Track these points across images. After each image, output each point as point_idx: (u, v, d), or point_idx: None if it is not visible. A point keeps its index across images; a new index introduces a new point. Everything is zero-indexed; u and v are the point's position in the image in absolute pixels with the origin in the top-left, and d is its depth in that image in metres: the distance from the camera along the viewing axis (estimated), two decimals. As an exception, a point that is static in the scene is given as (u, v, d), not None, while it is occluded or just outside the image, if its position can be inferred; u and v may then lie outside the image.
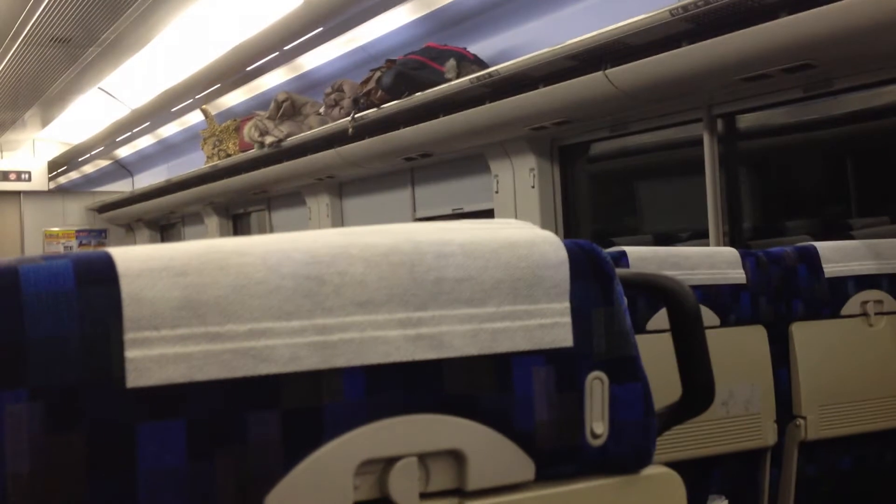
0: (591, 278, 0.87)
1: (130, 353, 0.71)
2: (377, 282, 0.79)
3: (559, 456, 0.85)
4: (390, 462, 0.79)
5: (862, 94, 3.62)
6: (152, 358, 0.72)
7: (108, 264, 0.73)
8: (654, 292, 1.04)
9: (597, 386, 0.86)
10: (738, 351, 2.24)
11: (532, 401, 0.84)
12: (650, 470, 0.89)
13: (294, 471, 0.76)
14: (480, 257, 0.83)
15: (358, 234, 0.82)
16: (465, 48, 4.40)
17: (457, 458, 0.82)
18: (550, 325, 0.85)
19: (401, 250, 0.81)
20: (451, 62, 4.24)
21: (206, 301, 0.74)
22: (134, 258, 0.74)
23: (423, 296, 0.81)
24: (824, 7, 2.48)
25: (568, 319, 0.85)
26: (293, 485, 0.75)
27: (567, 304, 0.86)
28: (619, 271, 0.90)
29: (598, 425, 0.86)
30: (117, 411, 0.71)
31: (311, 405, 0.76)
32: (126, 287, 0.72)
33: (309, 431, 0.77)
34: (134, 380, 0.71)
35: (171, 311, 0.73)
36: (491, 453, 0.82)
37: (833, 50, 2.67)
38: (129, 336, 0.72)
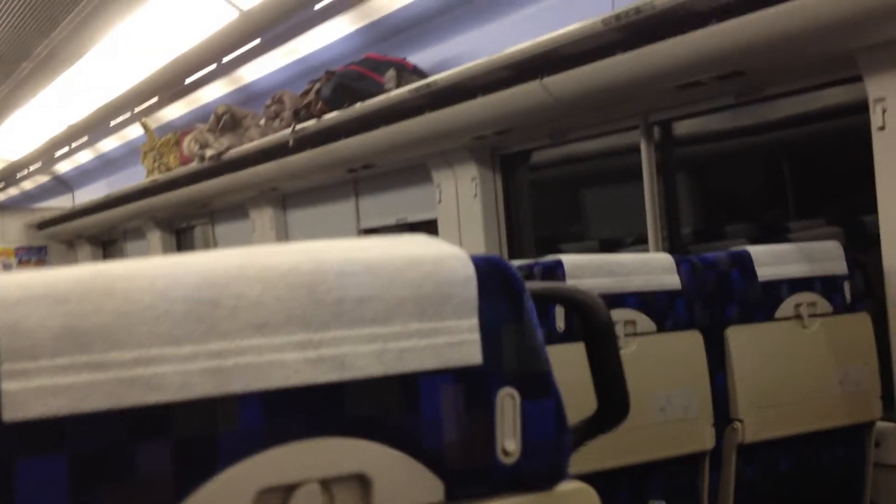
0: (500, 294, 0.86)
1: (6, 386, 0.68)
2: (275, 303, 0.77)
3: (470, 476, 0.83)
4: (291, 489, 0.77)
5: (797, 99, 3.68)
6: (30, 390, 0.68)
7: None
8: (566, 306, 1.03)
9: (508, 403, 0.85)
10: (674, 356, 2.25)
11: (440, 420, 0.82)
12: (564, 486, 0.88)
13: (188, 502, 0.73)
14: (384, 275, 0.81)
15: (256, 255, 0.79)
16: (404, 59, 4.39)
17: (362, 481, 0.79)
18: (458, 342, 0.83)
19: (300, 270, 0.78)
20: (391, 73, 4.22)
21: (89, 329, 0.70)
22: (13, 285, 0.70)
23: (323, 316, 0.78)
24: (751, 15, 2.51)
25: (476, 336, 0.84)
26: None
27: (475, 321, 0.84)
28: (530, 285, 0.89)
29: (509, 443, 0.84)
30: None
31: (204, 434, 0.74)
32: (2, 316, 0.69)
33: (203, 461, 0.74)
34: (11, 413, 0.68)
35: (51, 340, 0.69)
36: (398, 475, 0.80)
37: (762, 57, 2.70)
38: (4, 367, 0.68)
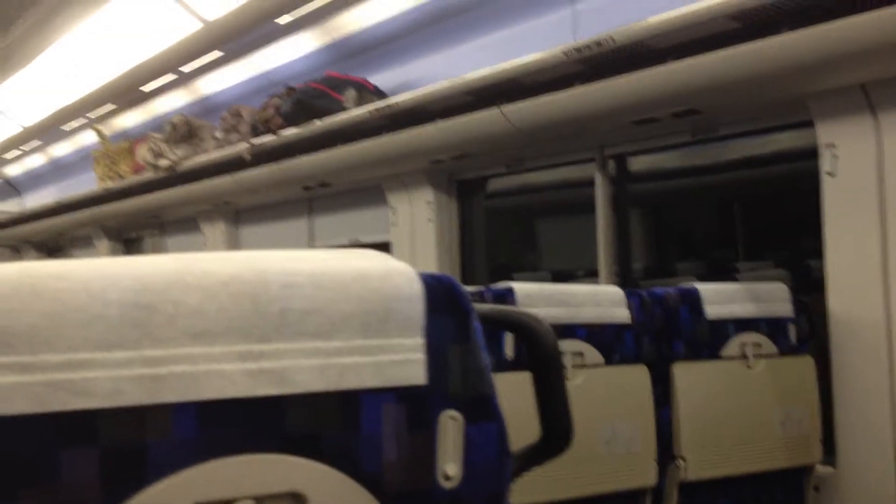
0: (447, 313, 0.84)
1: None
2: (215, 312, 0.74)
3: (408, 499, 0.81)
4: None
5: (749, 142, 3.74)
6: None
7: None
8: (512, 329, 1.02)
9: (451, 425, 0.83)
10: (621, 390, 2.25)
11: (380, 440, 0.80)
12: None
13: None
14: (329, 289, 0.79)
15: (196, 261, 0.77)
16: (365, 79, 4.38)
17: (297, 500, 0.77)
18: (402, 361, 0.81)
19: (243, 279, 0.76)
20: (351, 92, 4.21)
21: (17, 329, 0.67)
22: None
23: (265, 328, 0.76)
24: (707, 55, 2.54)
25: (421, 355, 0.82)
26: None
27: (421, 340, 0.82)
28: (478, 307, 0.87)
29: (450, 467, 0.83)
30: None
31: (133, 443, 0.70)
32: None
33: (131, 472, 0.70)
34: None
35: None
36: (334, 496, 0.78)
37: (717, 97, 2.74)
38: None
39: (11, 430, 0.67)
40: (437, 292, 0.83)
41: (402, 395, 0.81)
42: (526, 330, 0.96)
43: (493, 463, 0.85)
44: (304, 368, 0.77)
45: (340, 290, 0.79)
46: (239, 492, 0.74)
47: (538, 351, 0.97)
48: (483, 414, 0.85)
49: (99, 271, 0.72)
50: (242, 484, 0.75)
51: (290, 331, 0.77)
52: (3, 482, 0.67)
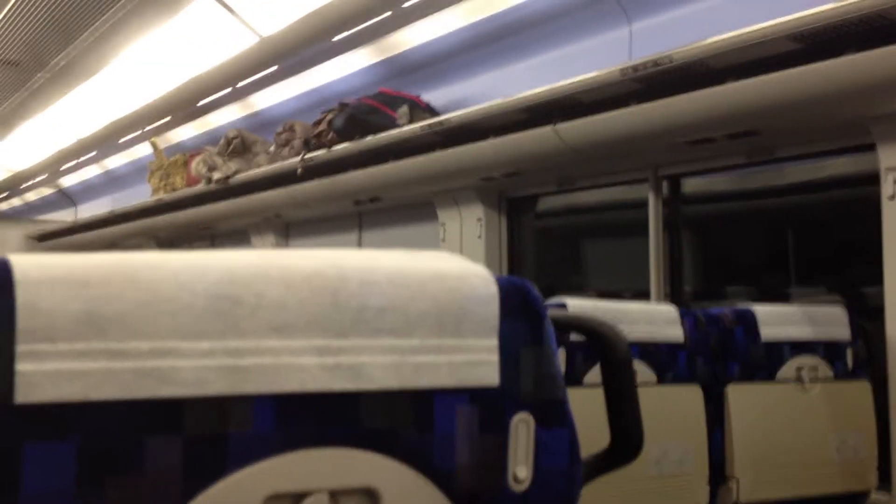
0: (521, 316, 0.84)
1: (21, 367, 0.66)
2: (296, 306, 0.75)
3: (479, 500, 0.82)
4: (299, 498, 0.75)
5: (804, 167, 3.70)
6: (45, 373, 0.67)
7: (4, 270, 0.68)
8: (586, 335, 1.02)
9: (522, 428, 0.83)
10: (673, 409, 2.23)
11: (454, 440, 0.80)
12: None
13: (193, 502, 0.71)
14: (406, 287, 0.80)
15: (279, 257, 0.78)
16: (418, 96, 4.41)
17: (371, 496, 0.78)
18: (477, 362, 0.81)
19: (324, 275, 0.77)
20: (404, 108, 4.24)
21: (109, 315, 0.69)
22: (34, 265, 0.69)
23: (343, 323, 0.77)
24: (769, 76, 2.53)
25: (495, 357, 0.82)
26: None
27: (495, 342, 0.82)
28: (552, 312, 0.88)
29: (521, 469, 0.83)
30: (2, 428, 0.66)
31: (216, 433, 0.72)
32: (22, 295, 0.67)
33: (212, 461, 0.72)
34: (24, 395, 0.66)
35: (70, 323, 0.68)
36: (407, 493, 0.78)
37: (774, 118, 2.72)
38: (21, 348, 0.67)
39: (99, 415, 0.69)
40: (512, 295, 0.84)
41: (476, 396, 0.81)
42: (599, 336, 0.97)
43: (563, 468, 0.85)
44: (379, 365, 0.78)
45: (417, 289, 0.80)
46: (314, 485, 0.75)
47: (610, 356, 0.97)
48: (555, 419, 0.85)
49: (189, 263, 0.73)
50: (318, 477, 0.76)
51: (367, 327, 0.78)
52: (89, 467, 0.68)
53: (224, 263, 0.75)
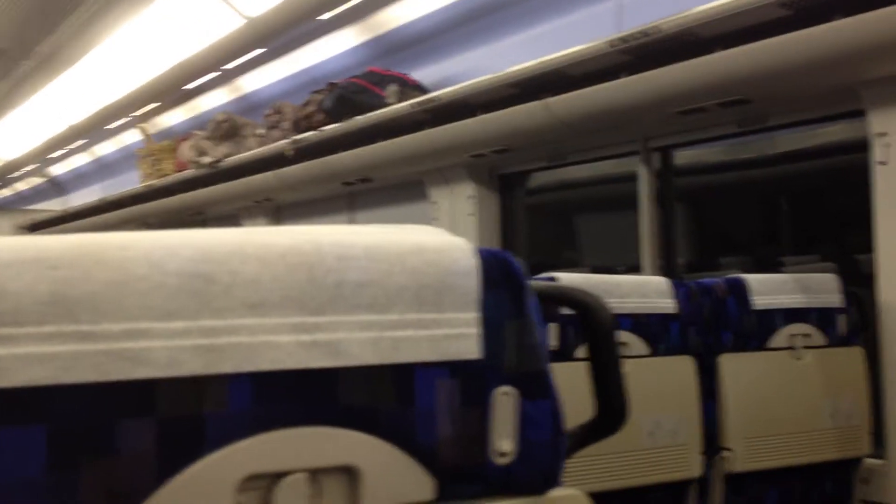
0: (503, 288, 0.83)
1: None
2: (272, 282, 0.74)
3: (462, 474, 0.81)
4: (277, 477, 0.74)
5: (795, 136, 3.68)
6: (14, 356, 0.66)
7: None
8: (569, 306, 1.01)
9: (505, 401, 0.82)
10: (666, 381, 2.23)
11: (435, 415, 0.79)
12: (557, 492, 0.85)
13: (169, 485, 0.70)
14: (385, 261, 0.78)
15: (255, 234, 0.77)
16: (406, 74, 4.38)
17: (351, 474, 0.77)
18: (457, 335, 0.80)
19: (300, 251, 0.76)
20: (393, 87, 4.21)
21: (79, 297, 0.68)
22: (2, 248, 0.68)
23: (321, 299, 0.76)
24: (758, 43, 2.51)
25: (476, 330, 0.81)
26: (167, 500, 0.69)
27: (476, 315, 0.81)
28: (535, 283, 0.86)
29: (504, 443, 0.82)
30: None
31: (191, 413, 0.71)
32: None
33: (188, 442, 0.71)
34: None
35: (38, 306, 0.66)
36: (388, 470, 0.77)
37: (765, 86, 2.70)
38: None
39: (72, 398, 0.67)
40: (493, 267, 0.83)
41: (457, 369, 0.80)
42: (583, 307, 0.95)
43: (547, 440, 0.84)
44: (358, 341, 0.77)
45: (396, 263, 0.79)
46: (293, 464, 0.74)
47: (594, 327, 0.96)
48: (538, 390, 0.84)
49: (160, 242, 0.72)
50: (296, 456, 0.75)
51: (345, 303, 0.76)
52: (64, 451, 0.67)
53: (197, 241, 0.73)
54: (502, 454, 0.82)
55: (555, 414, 0.85)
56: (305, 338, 0.75)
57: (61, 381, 0.67)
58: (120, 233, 0.74)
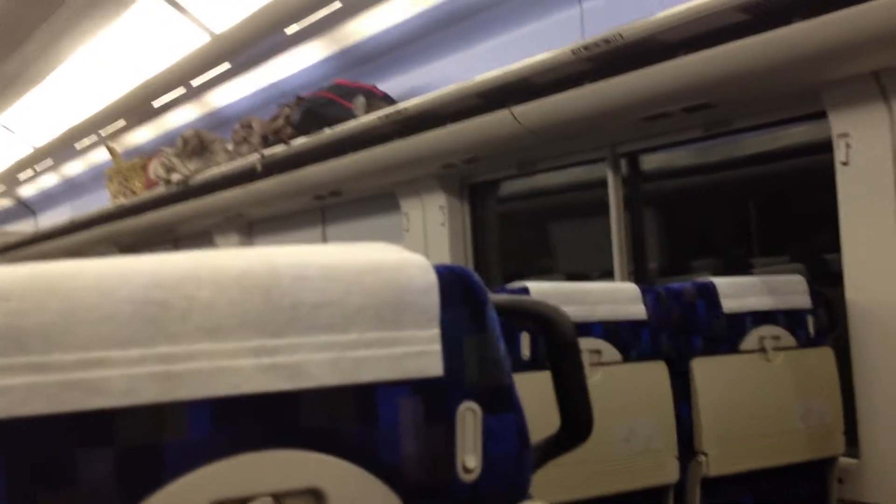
0: (462, 304, 0.83)
1: None
2: (227, 307, 0.73)
3: (428, 493, 0.80)
4: (242, 503, 0.73)
5: (761, 138, 3.72)
6: None
7: None
8: (529, 319, 1.01)
9: (469, 417, 0.82)
10: (639, 387, 2.23)
11: (398, 434, 0.79)
12: None
13: None
14: (342, 281, 0.78)
15: (209, 257, 0.76)
16: (374, 85, 4.38)
17: (316, 496, 0.76)
18: (418, 352, 0.80)
19: (255, 273, 0.75)
20: (360, 99, 4.21)
21: (30, 328, 0.67)
22: None
23: (278, 322, 0.75)
24: (719, 48, 2.53)
25: (437, 347, 0.81)
26: None
27: (436, 331, 0.81)
28: (493, 297, 0.86)
29: (470, 459, 0.81)
30: None
31: (150, 442, 0.70)
32: None
33: (148, 471, 0.70)
34: None
35: None
36: (354, 491, 0.77)
37: (728, 90, 2.73)
38: None
39: (27, 431, 0.67)
40: (452, 282, 0.83)
41: (419, 387, 0.80)
42: (542, 318, 0.95)
43: (512, 454, 0.84)
44: (317, 362, 0.76)
45: (353, 282, 0.78)
46: (257, 489, 0.74)
47: (555, 339, 0.96)
48: (501, 405, 0.84)
49: (111, 269, 0.71)
50: (260, 481, 0.74)
51: (303, 324, 0.76)
52: (20, 484, 0.66)
53: (150, 267, 0.73)
54: (468, 470, 0.81)
55: (520, 427, 0.85)
56: (264, 361, 0.74)
57: (16, 414, 0.66)
58: (71, 261, 0.73)
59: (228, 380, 0.73)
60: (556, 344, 0.97)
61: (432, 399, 0.80)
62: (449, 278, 0.83)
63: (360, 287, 0.78)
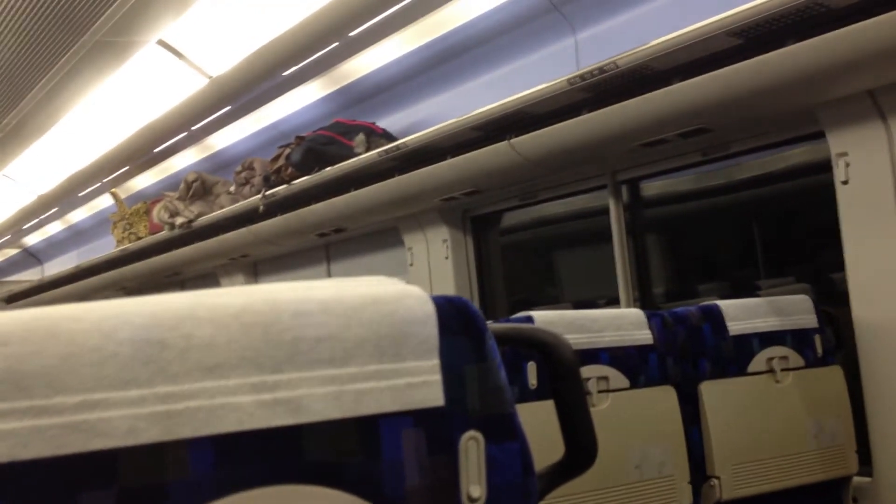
0: (461, 334, 0.83)
1: None
2: (227, 344, 0.74)
3: None
4: None
5: (761, 160, 3.73)
6: None
7: None
8: (530, 347, 1.01)
9: (472, 446, 0.82)
10: (648, 412, 2.22)
11: (402, 465, 0.79)
12: None
13: None
14: (341, 315, 0.78)
15: (206, 296, 0.77)
16: (373, 123, 4.41)
17: None
18: (419, 383, 0.80)
19: (254, 310, 0.76)
20: (360, 137, 4.24)
21: (32, 372, 0.67)
22: None
23: (278, 357, 0.75)
24: (713, 73, 2.55)
25: (438, 377, 0.81)
26: None
27: (436, 362, 0.81)
28: (493, 326, 0.87)
29: (474, 489, 0.81)
30: None
31: (153, 482, 0.70)
32: None
33: None
34: None
35: None
36: None
37: (724, 114, 2.74)
38: None
39: (29, 474, 0.67)
40: (450, 313, 0.83)
41: (421, 418, 0.80)
42: (541, 345, 0.96)
43: (517, 483, 0.83)
44: (319, 396, 0.76)
45: (352, 316, 0.79)
46: None
47: (556, 364, 0.96)
48: (504, 433, 0.84)
49: (111, 311, 0.72)
50: None
51: (304, 359, 0.76)
52: None
53: (148, 308, 0.73)
54: (472, 500, 0.81)
55: (523, 455, 0.84)
56: (266, 397, 0.74)
57: (19, 458, 0.66)
58: (71, 305, 0.73)
59: (230, 416, 0.73)
60: (557, 369, 0.97)
61: (435, 429, 0.80)
62: (447, 309, 0.83)
63: (360, 320, 0.79)
